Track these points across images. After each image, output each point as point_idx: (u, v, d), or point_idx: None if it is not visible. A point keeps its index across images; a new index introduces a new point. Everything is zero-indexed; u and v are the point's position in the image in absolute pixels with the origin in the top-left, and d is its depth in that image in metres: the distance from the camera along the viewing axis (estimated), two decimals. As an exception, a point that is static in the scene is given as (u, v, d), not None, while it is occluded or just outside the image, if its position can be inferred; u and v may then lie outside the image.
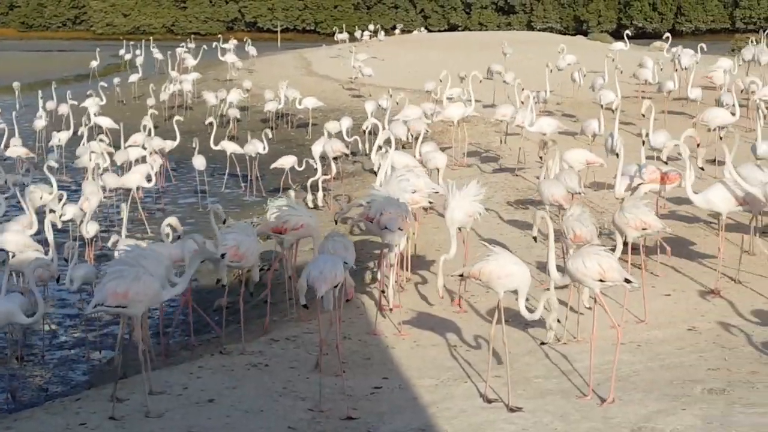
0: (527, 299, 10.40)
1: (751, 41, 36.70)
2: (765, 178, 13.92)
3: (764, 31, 38.73)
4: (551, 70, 30.01)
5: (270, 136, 25.77)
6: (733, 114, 20.60)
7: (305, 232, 13.59)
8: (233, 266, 12.60)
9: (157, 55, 51.86)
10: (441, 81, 28.66)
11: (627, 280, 10.43)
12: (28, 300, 12.01)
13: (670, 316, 12.83)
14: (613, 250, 11.74)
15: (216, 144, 25.66)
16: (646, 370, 11.05)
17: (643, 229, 12.73)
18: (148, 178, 21.27)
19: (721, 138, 15.37)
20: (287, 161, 23.50)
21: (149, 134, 25.20)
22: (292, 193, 19.71)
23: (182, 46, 50.59)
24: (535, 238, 11.79)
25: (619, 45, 39.74)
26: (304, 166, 22.63)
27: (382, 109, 26.09)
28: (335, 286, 10.50)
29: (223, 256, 11.99)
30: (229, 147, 25.53)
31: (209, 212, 13.27)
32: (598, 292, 10.36)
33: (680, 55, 31.29)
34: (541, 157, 16.85)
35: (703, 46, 33.36)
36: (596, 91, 27.11)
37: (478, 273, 10.44)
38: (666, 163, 15.78)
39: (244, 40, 56.62)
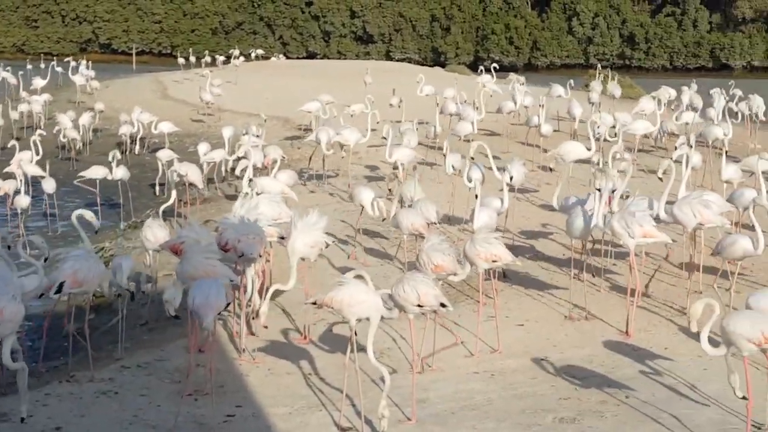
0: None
1: (605, 77, 37.85)
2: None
3: (605, 68, 40.07)
4: (440, 108, 29.77)
5: (119, 157, 25.10)
6: (589, 149, 21.02)
7: None
8: (76, 293, 12.18)
9: (4, 74, 50.32)
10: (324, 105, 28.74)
11: (442, 305, 10.80)
12: None
13: (524, 345, 12.98)
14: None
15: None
16: (500, 399, 11.14)
17: (494, 261, 12.83)
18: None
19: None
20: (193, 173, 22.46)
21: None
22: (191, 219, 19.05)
23: (7, 69, 48.91)
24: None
25: (486, 77, 39.87)
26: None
27: (250, 135, 25.79)
28: (219, 313, 10.40)
29: (61, 285, 11.65)
30: (30, 170, 24.11)
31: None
32: (412, 317, 10.82)
33: (522, 93, 31.77)
34: (390, 190, 16.91)
35: (572, 82, 34.33)
36: (463, 121, 27.17)
37: (330, 301, 10.44)
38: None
39: (79, 61, 55.16)
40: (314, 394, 11.42)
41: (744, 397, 9.41)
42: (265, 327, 13.28)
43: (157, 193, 23.83)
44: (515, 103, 30.92)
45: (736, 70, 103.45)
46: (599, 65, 40.37)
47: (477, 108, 28.33)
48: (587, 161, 21.19)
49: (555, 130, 29.06)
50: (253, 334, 13.33)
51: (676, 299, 14.62)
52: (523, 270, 16.19)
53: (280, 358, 12.65)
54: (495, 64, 42.82)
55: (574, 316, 14.01)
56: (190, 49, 73.24)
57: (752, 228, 13.55)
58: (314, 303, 10.78)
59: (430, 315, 12.27)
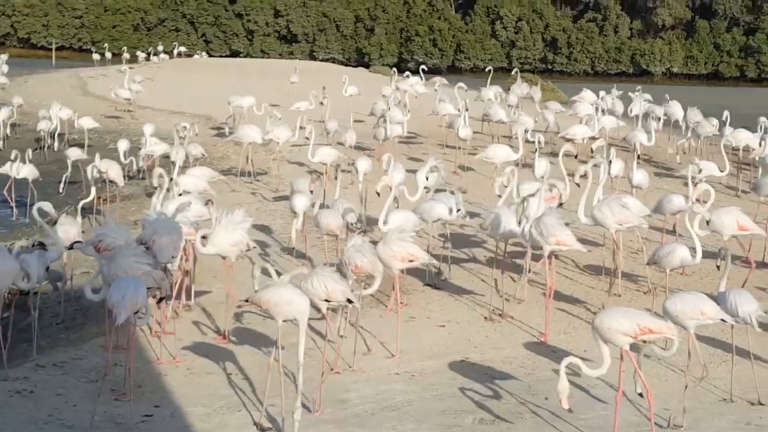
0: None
1: (529, 81, 38.25)
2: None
3: (523, 72, 40.52)
4: (388, 108, 29.50)
5: (30, 156, 24.48)
6: (516, 151, 21.16)
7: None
8: None
9: None
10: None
11: (349, 300, 11.05)
12: None
13: (445, 346, 13.01)
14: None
15: None
16: (420, 400, 11.16)
17: (410, 260, 12.85)
18: None
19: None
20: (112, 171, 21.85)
21: None
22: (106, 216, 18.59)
23: None
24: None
25: (414, 79, 39.80)
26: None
27: (176, 134, 25.35)
28: (136, 312, 10.25)
29: None
30: None
31: None
32: (324, 310, 11.09)
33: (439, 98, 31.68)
34: (312, 192, 16.86)
35: (502, 89, 34.61)
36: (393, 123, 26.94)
37: (259, 300, 10.51)
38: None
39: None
40: (234, 394, 11.34)
41: (641, 394, 9.84)
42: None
43: (61, 191, 23.28)
44: (456, 109, 30.70)
45: (656, 76, 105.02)
46: (491, 69, 40.43)
47: (408, 110, 28.28)
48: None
49: (476, 132, 29.16)
50: (172, 333, 13.18)
51: (596, 302, 14.78)
52: (444, 272, 16.23)
53: (199, 357, 12.54)
54: (423, 66, 42.71)
55: (494, 317, 14.08)
56: (106, 45, 72.25)
57: (674, 233, 13.73)
58: (246, 301, 10.83)
59: (343, 312, 12.26)
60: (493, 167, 21.90)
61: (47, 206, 14.29)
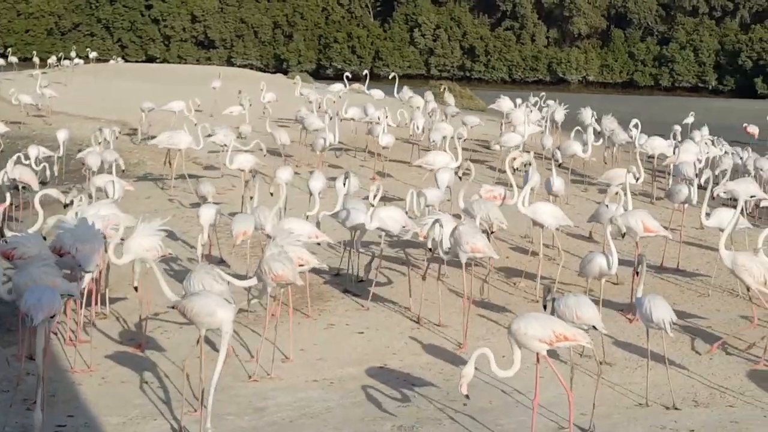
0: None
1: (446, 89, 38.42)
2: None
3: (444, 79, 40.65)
4: (341, 117, 29.27)
5: None
6: (456, 159, 21.29)
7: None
8: None
9: None
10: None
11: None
12: None
13: (363, 353, 12.98)
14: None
15: None
16: (339, 407, 11.12)
17: (300, 265, 12.88)
18: None
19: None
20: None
21: None
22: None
23: None
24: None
25: (338, 86, 39.67)
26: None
27: (106, 140, 24.90)
28: (52, 317, 10.08)
29: None
30: None
31: None
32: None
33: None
34: (251, 197, 16.78)
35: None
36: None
37: (183, 309, 10.48)
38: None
39: None
40: (150, 402, 11.19)
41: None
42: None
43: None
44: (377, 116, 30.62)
45: (572, 84, 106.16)
46: (395, 76, 40.34)
47: (332, 117, 28.19)
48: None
49: (397, 139, 29.23)
50: (87, 341, 12.96)
51: (515, 307, 14.84)
52: (364, 279, 16.22)
53: (114, 366, 12.35)
54: (348, 73, 42.45)
55: (413, 324, 14.09)
56: (9, 49, 70.76)
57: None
58: (173, 307, 10.83)
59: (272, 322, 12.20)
60: (415, 173, 21.94)
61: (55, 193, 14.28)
